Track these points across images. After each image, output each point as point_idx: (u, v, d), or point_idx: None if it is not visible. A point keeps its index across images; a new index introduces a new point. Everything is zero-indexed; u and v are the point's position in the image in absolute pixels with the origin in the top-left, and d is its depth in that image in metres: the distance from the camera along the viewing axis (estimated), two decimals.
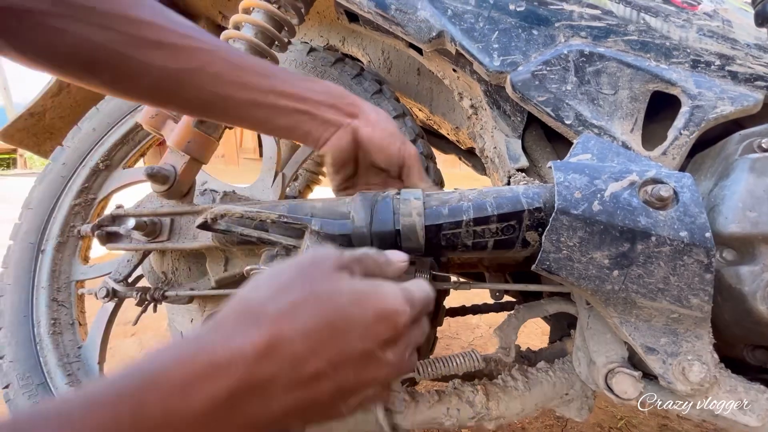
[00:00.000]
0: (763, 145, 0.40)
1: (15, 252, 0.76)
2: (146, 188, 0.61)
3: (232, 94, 0.42)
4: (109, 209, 0.84)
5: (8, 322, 0.71)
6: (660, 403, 0.41)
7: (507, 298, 0.72)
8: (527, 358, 0.58)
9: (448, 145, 0.91)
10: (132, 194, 0.76)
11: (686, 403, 0.39)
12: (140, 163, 0.87)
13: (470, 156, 0.89)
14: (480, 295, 1.32)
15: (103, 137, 0.80)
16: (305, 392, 0.23)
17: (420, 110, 0.83)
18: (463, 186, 0.49)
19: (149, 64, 0.39)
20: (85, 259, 0.81)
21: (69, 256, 0.78)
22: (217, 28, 0.99)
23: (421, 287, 0.31)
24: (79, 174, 0.79)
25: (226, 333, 0.24)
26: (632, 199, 0.38)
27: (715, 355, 0.38)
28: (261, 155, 0.84)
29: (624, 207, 0.38)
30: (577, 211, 0.38)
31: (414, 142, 0.64)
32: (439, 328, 0.68)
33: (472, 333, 1.25)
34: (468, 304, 0.75)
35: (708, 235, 0.36)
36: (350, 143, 0.45)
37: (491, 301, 0.70)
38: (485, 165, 0.65)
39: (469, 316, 0.86)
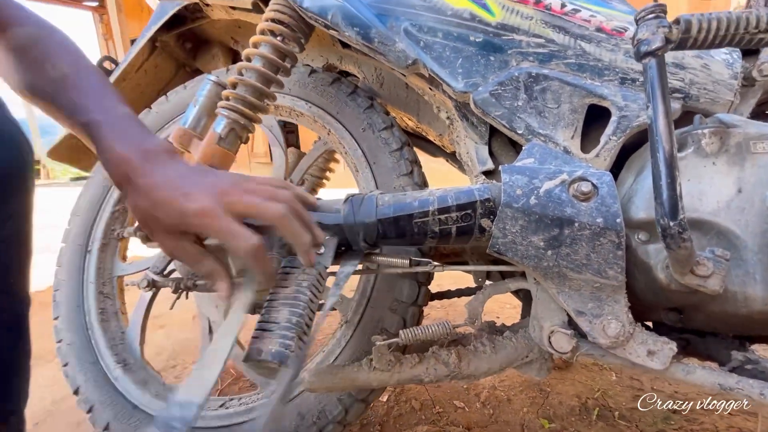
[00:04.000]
0: None
1: (67, 252, 0.89)
2: None
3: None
4: None
5: (64, 311, 0.84)
6: (593, 354, 0.51)
7: (488, 281, 0.82)
8: (499, 331, 0.68)
9: (436, 149, 1.02)
10: None
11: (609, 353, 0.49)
12: None
13: (454, 158, 0.99)
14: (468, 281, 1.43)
15: None
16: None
17: (410, 119, 0.94)
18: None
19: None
20: (124, 258, 0.94)
21: (111, 255, 0.91)
22: (230, 51, 1.11)
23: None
24: None
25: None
26: (562, 194, 0.48)
27: (630, 316, 0.48)
28: (271, 160, 0.95)
29: (555, 200, 0.48)
30: (518, 204, 0.48)
31: (400, 149, 0.75)
32: (443, 318, 0.78)
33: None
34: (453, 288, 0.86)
35: (618, 220, 0.46)
36: None
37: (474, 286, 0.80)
38: (464, 166, 0.76)
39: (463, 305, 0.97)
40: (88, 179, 0.95)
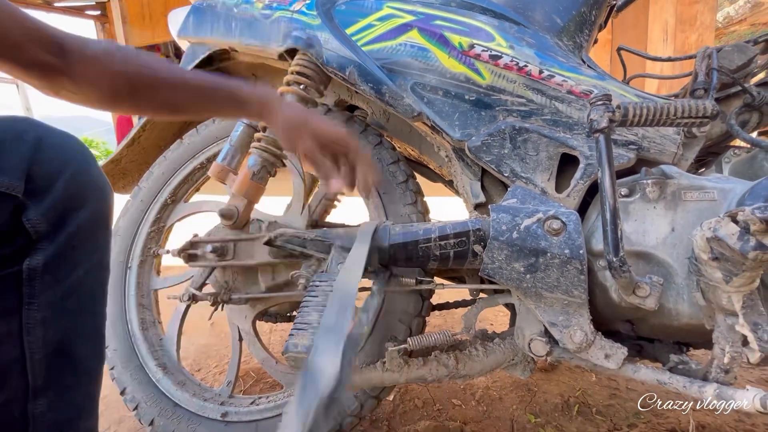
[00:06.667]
0: (622, 192, 0.62)
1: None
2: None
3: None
4: (173, 234, 1.09)
5: (110, 321, 0.96)
6: (564, 357, 0.63)
7: (482, 294, 0.94)
8: (490, 338, 0.81)
9: (436, 176, 1.14)
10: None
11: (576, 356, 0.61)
12: (195, 197, 1.11)
13: (452, 185, 1.12)
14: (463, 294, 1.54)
15: (169, 179, 1.05)
16: None
17: (413, 150, 1.06)
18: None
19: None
20: (158, 273, 1.05)
21: (148, 271, 1.03)
22: None
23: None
24: (153, 208, 1.04)
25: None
26: (538, 230, 0.61)
27: (592, 326, 0.60)
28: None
29: (532, 235, 0.61)
30: (503, 238, 0.61)
31: (406, 182, 0.88)
32: (441, 324, 0.90)
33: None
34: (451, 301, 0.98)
35: (581, 252, 0.58)
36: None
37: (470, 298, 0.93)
38: (460, 196, 0.88)
39: (459, 314, 1.09)
40: (126, 202, 1.06)
